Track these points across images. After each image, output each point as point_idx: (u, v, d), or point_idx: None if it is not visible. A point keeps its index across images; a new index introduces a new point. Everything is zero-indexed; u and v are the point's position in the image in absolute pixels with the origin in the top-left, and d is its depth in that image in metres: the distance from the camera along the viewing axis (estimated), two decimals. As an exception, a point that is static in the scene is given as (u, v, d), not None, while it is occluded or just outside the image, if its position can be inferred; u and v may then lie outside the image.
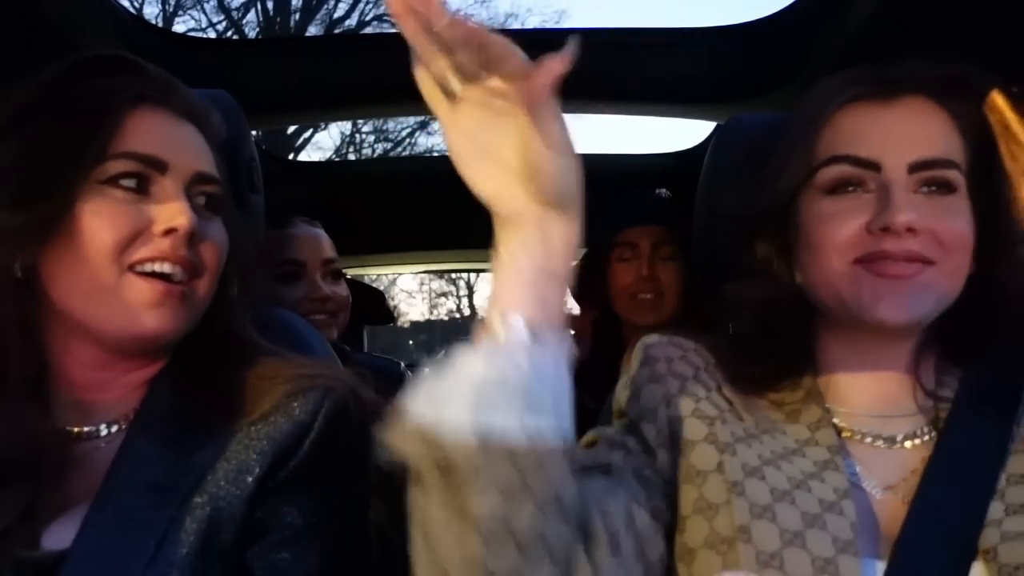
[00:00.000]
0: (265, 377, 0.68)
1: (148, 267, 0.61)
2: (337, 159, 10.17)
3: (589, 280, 1.44)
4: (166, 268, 0.61)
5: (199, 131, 0.69)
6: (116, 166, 0.61)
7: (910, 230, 0.59)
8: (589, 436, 0.68)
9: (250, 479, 0.62)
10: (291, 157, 9.49)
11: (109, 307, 0.61)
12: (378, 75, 1.51)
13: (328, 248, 1.42)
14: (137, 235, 0.61)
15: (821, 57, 1.18)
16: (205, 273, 0.65)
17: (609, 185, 2.01)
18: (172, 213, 0.61)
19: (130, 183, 0.62)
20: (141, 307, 0.61)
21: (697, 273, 0.94)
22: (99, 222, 0.60)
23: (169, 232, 0.61)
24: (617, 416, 0.71)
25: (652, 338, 0.71)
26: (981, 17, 0.95)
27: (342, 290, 1.42)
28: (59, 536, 0.60)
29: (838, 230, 0.62)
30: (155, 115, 0.65)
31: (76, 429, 0.66)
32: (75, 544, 0.59)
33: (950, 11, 0.97)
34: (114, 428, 0.66)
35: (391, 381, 1.60)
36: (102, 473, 0.63)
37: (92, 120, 0.62)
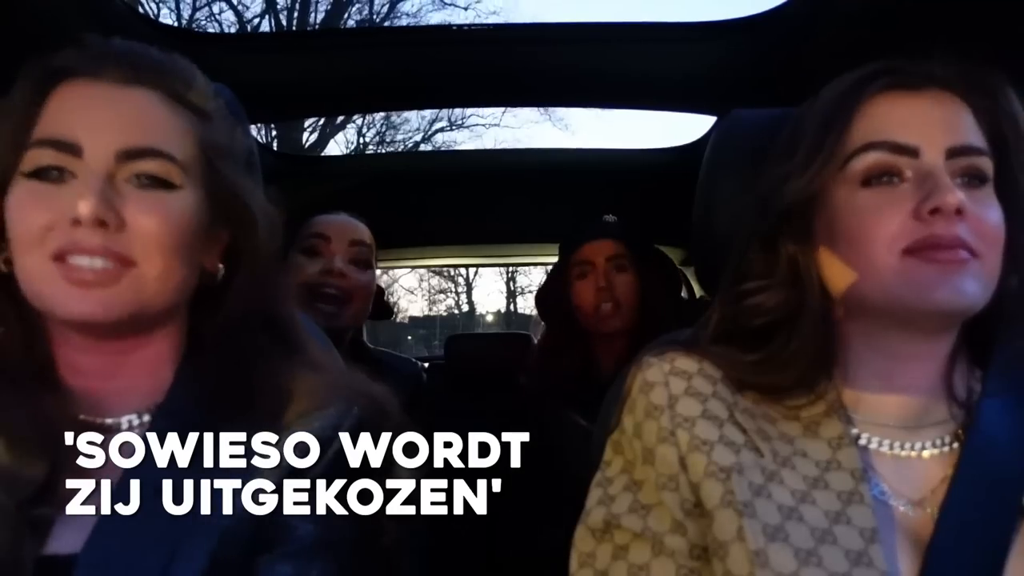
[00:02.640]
0: (291, 385, 0.66)
1: (68, 259, 0.59)
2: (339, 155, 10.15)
3: (554, 300, 1.56)
4: (81, 260, 0.58)
5: (151, 93, 0.63)
6: (34, 157, 0.60)
7: (959, 212, 0.57)
8: (599, 522, 0.64)
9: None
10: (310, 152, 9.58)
11: (41, 292, 0.60)
12: (381, 70, 1.51)
13: (359, 232, 1.43)
14: (53, 226, 0.59)
15: (821, 52, 1.18)
16: (143, 255, 0.60)
17: (609, 180, 2.03)
18: (75, 202, 0.58)
19: (52, 174, 0.60)
20: (58, 293, 0.59)
21: (696, 270, 0.94)
22: (20, 215, 0.60)
23: (76, 223, 0.58)
24: (614, 450, 0.68)
25: (651, 371, 0.66)
26: (979, 12, 0.95)
27: (364, 278, 1.41)
28: (68, 539, 0.59)
29: (885, 221, 0.59)
30: (82, 91, 0.62)
31: (91, 419, 0.64)
32: (85, 549, 0.57)
33: (950, 5, 0.96)
34: (134, 422, 0.65)
35: (408, 379, 1.61)
36: (120, 472, 0.61)
37: (32, 106, 0.61)
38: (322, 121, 10.09)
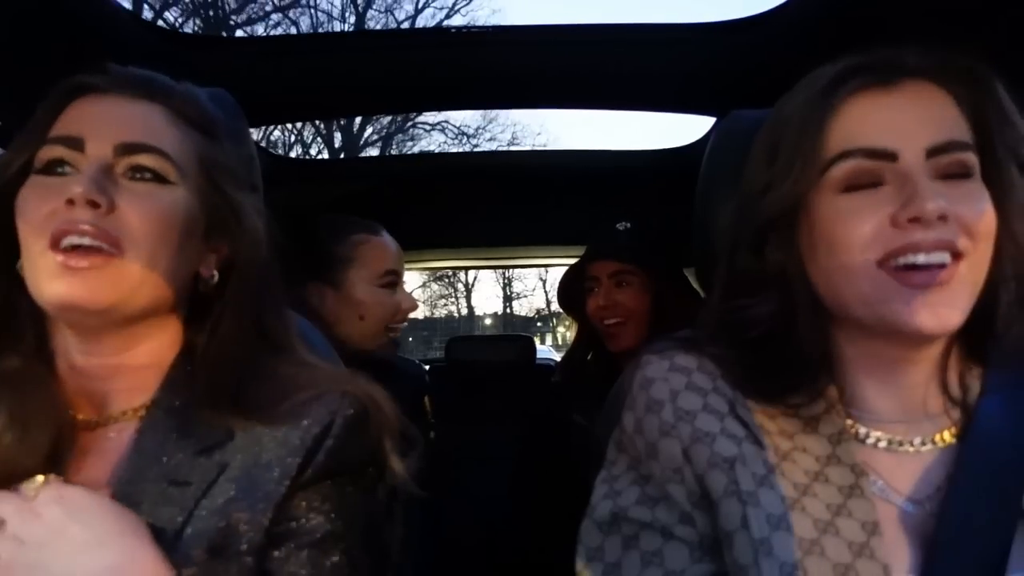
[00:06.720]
0: (285, 379, 0.68)
1: (62, 242, 0.61)
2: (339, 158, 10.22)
3: (571, 302, 1.61)
4: (72, 240, 0.61)
5: (154, 106, 0.68)
6: (44, 153, 0.64)
7: (941, 218, 0.56)
8: (606, 515, 0.64)
9: (267, 482, 0.62)
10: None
11: (38, 281, 0.62)
12: (379, 73, 1.51)
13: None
14: (53, 212, 0.62)
15: (821, 52, 1.18)
16: (130, 241, 0.63)
17: (609, 182, 2.03)
18: (71, 185, 0.61)
19: (58, 168, 0.64)
20: (49, 278, 0.61)
21: (696, 271, 0.94)
22: (26, 206, 0.63)
23: (70, 203, 0.61)
24: (618, 448, 0.68)
25: (651, 368, 0.67)
26: (980, 14, 0.95)
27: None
28: None
29: (860, 226, 0.58)
30: (91, 101, 0.67)
31: (83, 416, 0.66)
32: None
33: (948, 6, 0.97)
34: (128, 418, 0.67)
35: (412, 379, 1.62)
36: (114, 466, 0.63)
37: (49, 116, 0.66)
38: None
